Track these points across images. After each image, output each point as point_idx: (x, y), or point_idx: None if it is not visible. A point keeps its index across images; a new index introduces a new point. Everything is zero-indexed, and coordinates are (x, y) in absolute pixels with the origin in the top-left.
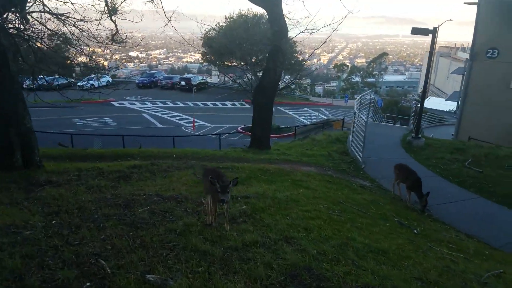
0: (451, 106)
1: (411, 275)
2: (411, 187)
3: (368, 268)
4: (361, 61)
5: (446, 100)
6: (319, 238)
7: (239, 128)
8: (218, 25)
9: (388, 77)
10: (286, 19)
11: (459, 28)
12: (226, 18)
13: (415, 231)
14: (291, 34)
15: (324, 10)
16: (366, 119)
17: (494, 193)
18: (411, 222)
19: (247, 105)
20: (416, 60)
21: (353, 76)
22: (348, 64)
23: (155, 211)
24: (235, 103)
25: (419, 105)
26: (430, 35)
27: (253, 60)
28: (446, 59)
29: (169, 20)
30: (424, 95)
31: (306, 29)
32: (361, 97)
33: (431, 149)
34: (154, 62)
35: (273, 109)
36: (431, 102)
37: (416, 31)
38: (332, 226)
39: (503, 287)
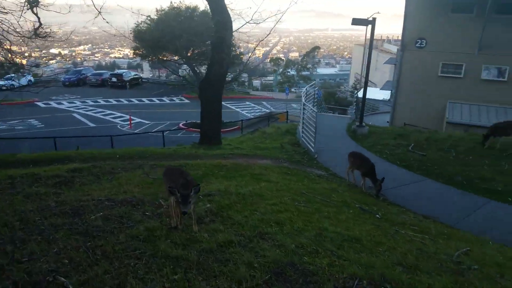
0: (385, 95)
1: (390, 261)
2: (365, 173)
3: (349, 257)
4: (294, 55)
5: (380, 89)
6: (293, 231)
7: (180, 125)
8: (149, 18)
9: (321, 70)
10: (229, 10)
11: (387, 21)
12: (157, 10)
13: (377, 215)
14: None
15: (265, 2)
16: (316, 111)
17: (440, 175)
18: (371, 207)
19: (186, 101)
20: (346, 53)
21: (289, 70)
22: (283, 58)
23: (109, 217)
24: (174, 98)
25: (359, 96)
26: (365, 29)
27: (189, 54)
28: (373, 50)
29: (99, 12)
30: (366, 85)
31: (252, 19)
32: (306, 89)
33: (375, 136)
34: (79, 59)
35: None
36: (367, 92)
37: (356, 21)
38: (302, 217)
39: (475, 264)
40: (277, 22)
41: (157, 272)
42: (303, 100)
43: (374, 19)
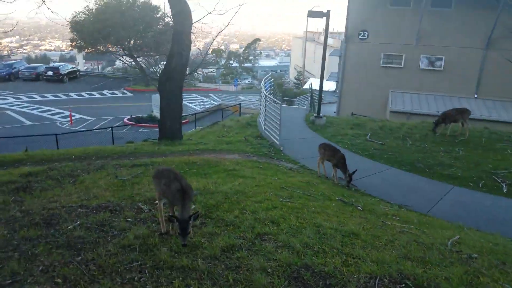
0: (331, 86)
1: (396, 255)
2: (337, 164)
3: (358, 255)
4: (235, 47)
5: (327, 80)
6: (291, 229)
7: (125, 120)
8: (87, 8)
9: (262, 62)
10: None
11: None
12: (96, 0)
13: (359, 207)
14: None
15: None
16: (280, 103)
17: (402, 163)
18: (349, 199)
19: (129, 94)
20: (284, 45)
21: (231, 62)
22: (224, 49)
23: (88, 226)
24: (116, 92)
25: (314, 87)
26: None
27: (131, 44)
28: (311, 43)
29: (43, 1)
30: (322, 77)
31: (214, 9)
32: (264, 80)
33: (333, 126)
34: (5, 52)
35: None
36: (312, 83)
37: (312, 14)
38: (293, 214)
39: (472, 252)
40: (236, 12)
41: (167, 286)
42: (264, 92)
43: (328, 11)
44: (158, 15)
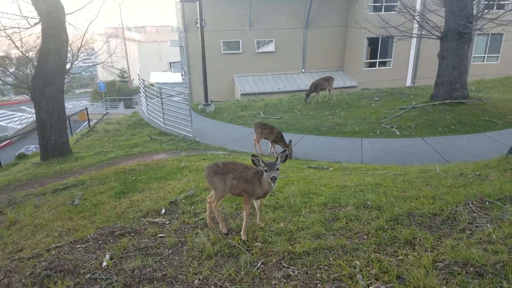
0: (176, 77)
1: (434, 208)
2: (275, 140)
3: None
4: (17, 52)
5: (174, 72)
6: (327, 205)
7: None
8: None
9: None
10: None
11: (114, 9)
12: None
13: (330, 168)
14: None
15: None
16: (188, 92)
17: (309, 129)
18: (312, 164)
19: None
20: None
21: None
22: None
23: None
24: None
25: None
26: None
27: None
28: (114, 39)
29: None
30: (205, 69)
31: None
32: (143, 82)
33: (225, 111)
34: None
35: None
36: (156, 77)
37: None
38: (311, 185)
39: (471, 172)
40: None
41: None
42: (143, 94)
43: None
44: None
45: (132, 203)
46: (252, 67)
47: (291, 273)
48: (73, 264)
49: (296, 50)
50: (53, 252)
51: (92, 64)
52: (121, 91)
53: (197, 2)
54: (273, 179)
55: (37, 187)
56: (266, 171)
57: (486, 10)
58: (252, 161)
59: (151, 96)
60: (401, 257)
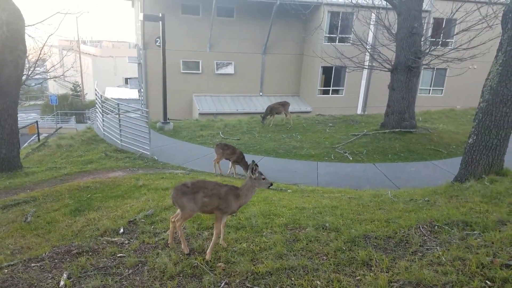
0: (133, 93)
1: (388, 230)
2: (237, 160)
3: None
4: None
5: (131, 88)
6: (292, 213)
7: None
8: None
9: None
10: None
11: (71, 22)
12: None
13: (289, 190)
14: None
15: None
16: (148, 109)
17: (267, 151)
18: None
19: None
20: (31, 56)
21: None
22: None
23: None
24: None
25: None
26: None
27: None
28: (70, 52)
29: None
30: (165, 83)
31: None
32: (100, 98)
33: (184, 129)
34: None
35: None
36: (111, 92)
37: (147, 17)
38: (272, 207)
39: (421, 197)
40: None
41: None
42: (100, 110)
43: (163, 15)
44: None
45: (89, 221)
46: (211, 88)
47: None
48: (28, 283)
49: (255, 74)
50: (6, 270)
51: (48, 78)
52: (73, 105)
53: (160, 22)
54: (271, 184)
55: None
56: (263, 179)
57: (433, 47)
58: (252, 168)
59: (107, 111)
60: (359, 277)
